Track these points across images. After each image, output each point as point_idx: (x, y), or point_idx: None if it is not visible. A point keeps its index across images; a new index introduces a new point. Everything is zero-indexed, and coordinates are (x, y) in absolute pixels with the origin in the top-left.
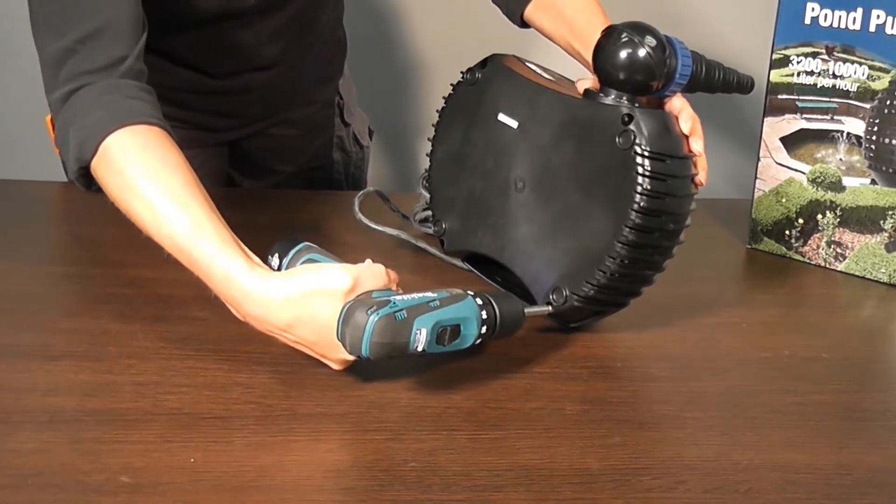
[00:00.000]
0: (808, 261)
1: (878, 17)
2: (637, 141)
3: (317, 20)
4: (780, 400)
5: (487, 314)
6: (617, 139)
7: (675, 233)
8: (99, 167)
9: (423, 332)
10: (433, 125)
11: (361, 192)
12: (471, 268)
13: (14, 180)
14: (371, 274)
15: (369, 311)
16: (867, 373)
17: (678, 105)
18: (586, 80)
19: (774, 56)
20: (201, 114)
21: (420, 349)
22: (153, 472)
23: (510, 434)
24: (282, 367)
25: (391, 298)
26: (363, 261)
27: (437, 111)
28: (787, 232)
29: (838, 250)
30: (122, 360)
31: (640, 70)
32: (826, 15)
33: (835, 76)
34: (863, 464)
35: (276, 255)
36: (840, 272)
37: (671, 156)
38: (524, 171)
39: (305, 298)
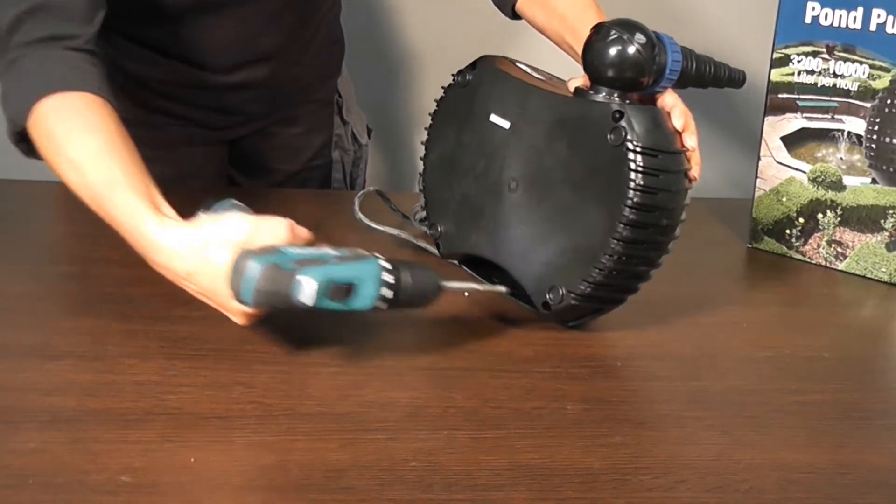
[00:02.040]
0: (808, 260)
1: (879, 16)
2: (628, 137)
3: (312, 13)
4: (781, 399)
5: (394, 278)
6: (608, 136)
7: (669, 228)
8: (33, 131)
9: (311, 284)
10: (426, 128)
11: (362, 191)
12: (468, 270)
13: (14, 180)
14: (271, 224)
15: (256, 259)
16: (868, 372)
17: (670, 101)
18: (577, 79)
19: (775, 55)
20: (201, 110)
21: (307, 302)
22: (153, 472)
23: (511, 433)
24: (283, 367)
25: (284, 249)
26: None
27: (429, 114)
28: (788, 231)
29: (839, 249)
30: (122, 359)
31: (629, 67)
32: (826, 14)
33: (835, 75)
34: (863, 463)
35: (202, 210)
36: (840, 271)
37: (663, 151)
38: (517, 171)
39: (205, 247)
